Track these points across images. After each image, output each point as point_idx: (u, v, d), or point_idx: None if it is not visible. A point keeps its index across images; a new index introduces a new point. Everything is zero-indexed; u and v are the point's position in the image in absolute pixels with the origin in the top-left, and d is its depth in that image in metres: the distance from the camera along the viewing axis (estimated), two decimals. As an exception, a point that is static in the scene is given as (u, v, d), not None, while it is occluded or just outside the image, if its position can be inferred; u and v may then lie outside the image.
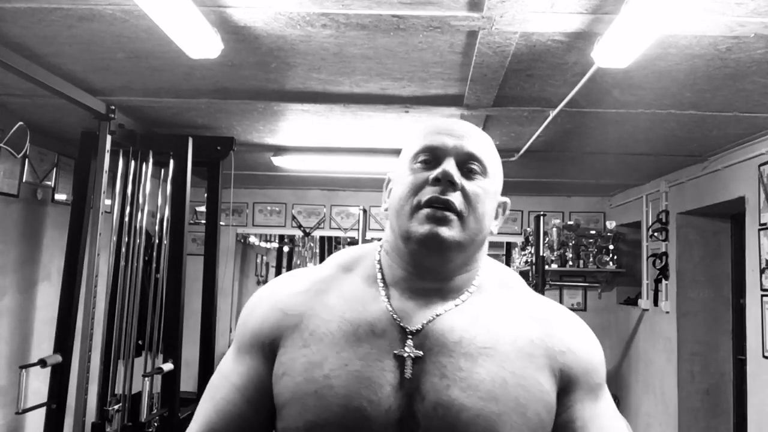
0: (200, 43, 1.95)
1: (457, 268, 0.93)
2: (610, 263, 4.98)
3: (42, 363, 2.75)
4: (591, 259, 4.99)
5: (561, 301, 5.36)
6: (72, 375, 2.85)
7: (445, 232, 0.88)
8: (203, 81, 2.56)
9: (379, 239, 1.03)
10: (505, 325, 0.92)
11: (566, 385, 0.91)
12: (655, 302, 4.34)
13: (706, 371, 4.04)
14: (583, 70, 2.22)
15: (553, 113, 2.74)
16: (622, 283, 5.20)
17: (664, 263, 4.20)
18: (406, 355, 0.86)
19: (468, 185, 0.91)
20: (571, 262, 5.02)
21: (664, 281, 4.22)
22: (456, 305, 0.92)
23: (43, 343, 3.52)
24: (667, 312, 4.19)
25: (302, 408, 0.86)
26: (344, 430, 0.84)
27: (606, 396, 0.97)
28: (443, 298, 0.92)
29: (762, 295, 3.10)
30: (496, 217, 0.97)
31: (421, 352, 0.86)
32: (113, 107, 2.79)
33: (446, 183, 0.89)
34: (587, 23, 1.83)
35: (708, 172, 3.65)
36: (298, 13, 1.83)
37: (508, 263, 6.92)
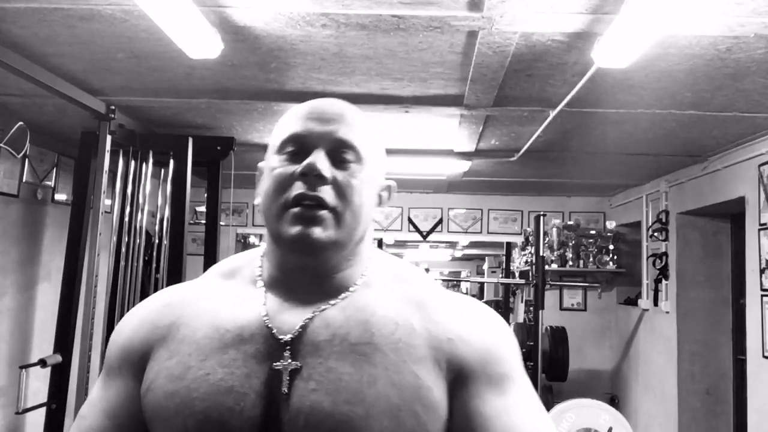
0: (200, 43, 1.95)
1: (336, 265, 0.85)
2: (610, 263, 4.99)
3: (42, 363, 2.75)
4: (591, 259, 5.00)
5: (561, 301, 5.38)
6: (72, 375, 2.85)
7: (317, 232, 0.80)
8: (203, 81, 2.56)
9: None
10: (387, 318, 0.82)
11: (459, 378, 0.81)
12: (655, 302, 4.34)
13: (706, 371, 4.04)
14: (583, 70, 2.22)
15: (553, 113, 2.74)
16: (622, 283, 5.20)
17: (664, 263, 4.20)
18: (283, 366, 0.79)
19: (341, 176, 0.82)
20: (571, 262, 5.03)
21: (664, 281, 4.22)
22: (333, 303, 0.84)
23: (43, 343, 3.52)
24: (667, 312, 4.19)
25: (165, 423, 0.80)
26: None
27: (516, 388, 0.82)
28: (323, 298, 0.84)
29: (762, 295, 3.10)
30: (380, 204, 0.90)
31: (299, 363, 0.79)
32: (113, 107, 2.78)
33: (314, 177, 0.80)
34: (587, 23, 1.83)
35: (708, 172, 3.65)
36: (298, 13, 1.83)
37: (508, 263, 6.92)
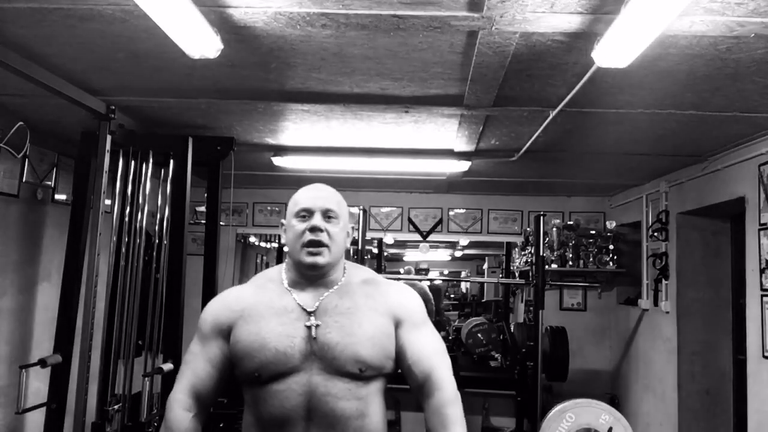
0: (200, 43, 1.95)
1: (328, 273, 1.64)
2: (610, 263, 4.98)
3: (42, 363, 2.74)
4: (591, 259, 4.99)
5: (561, 301, 5.41)
6: (72, 375, 2.85)
7: (319, 258, 1.59)
8: (203, 81, 2.56)
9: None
10: (362, 297, 1.63)
11: (399, 323, 1.64)
12: (655, 302, 4.34)
13: (706, 371, 4.04)
14: (583, 70, 2.22)
15: (553, 113, 2.74)
16: (622, 283, 5.20)
17: (664, 263, 4.20)
18: (311, 324, 1.57)
19: (329, 227, 1.61)
20: (571, 262, 5.02)
21: (664, 281, 4.22)
22: (330, 291, 1.63)
23: (43, 343, 3.52)
24: (667, 312, 4.19)
25: (251, 357, 1.55)
26: (277, 364, 1.53)
27: (425, 328, 1.68)
28: (324, 288, 1.63)
29: (762, 295, 3.10)
30: (348, 237, 1.68)
31: (320, 322, 1.57)
32: (113, 107, 2.78)
33: (317, 230, 1.59)
34: (587, 23, 1.83)
35: (708, 172, 3.65)
36: (298, 13, 1.83)
37: (508, 263, 6.93)
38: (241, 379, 1.60)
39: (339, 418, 1.53)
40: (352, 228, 1.71)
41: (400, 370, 1.65)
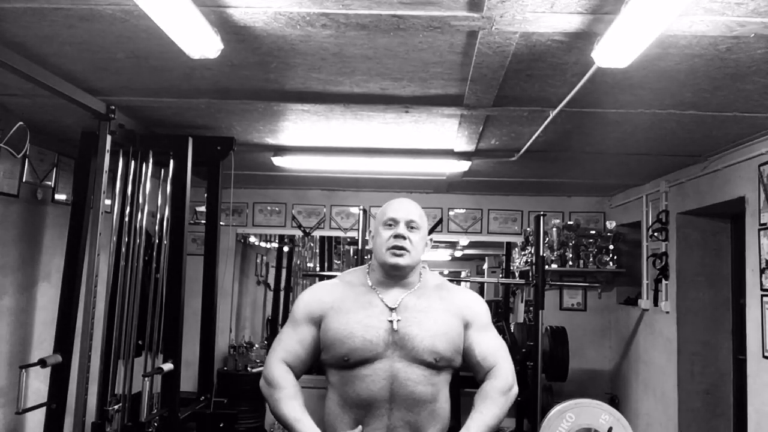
0: (200, 43, 1.95)
1: (407, 274, 1.91)
2: (610, 263, 4.98)
3: (42, 363, 2.74)
4: (591, 259, 4.99)
5: (561, 301, 5.42)
6: (72, 375, 2.85)
7: (401, 260, 1.86)
8: (203, 81, 2.55)
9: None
10: (436, 299, 1.90)
11: (468, 324, 1.91)
12: (655, 302, 4.34)
13: (706, 371, 4.04)
14: (583, 70, 2.22)
15: (553, 113, 2.74)
16: (622, 283, 5.20)
17: (664, 263, 4.20)
18: (393, 318, 1.83)
19: (411, 235, 1.88)
20: (571, 262, 5.02)
21: (664, 281, 4.22)
22: (409, 292, 1.90)
23: (43, 343, 3.52)
24: (667, 312, 4.19)
25: (342, 343, 1.81)
26: (364, 350, 1.78)
27: (490, 329, 1.97)
28: (403, 289, 1.90)
29: (762, 295, 3.10)
30: (425, 246, 1.95)
31: (401, 318, 1.83)
32: (113, 107, 2.78)
33: (401, 237, 1.86)
34: (587, 23, 1.83)
35: (708, 172, 3.65)
36: (298, 13, 1.83)
37: (508, 263, 6.94)
38: (330, 362, 1.86)
39: (417, 400, 1.79)
40: (429, 240, 1.98)
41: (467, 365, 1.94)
